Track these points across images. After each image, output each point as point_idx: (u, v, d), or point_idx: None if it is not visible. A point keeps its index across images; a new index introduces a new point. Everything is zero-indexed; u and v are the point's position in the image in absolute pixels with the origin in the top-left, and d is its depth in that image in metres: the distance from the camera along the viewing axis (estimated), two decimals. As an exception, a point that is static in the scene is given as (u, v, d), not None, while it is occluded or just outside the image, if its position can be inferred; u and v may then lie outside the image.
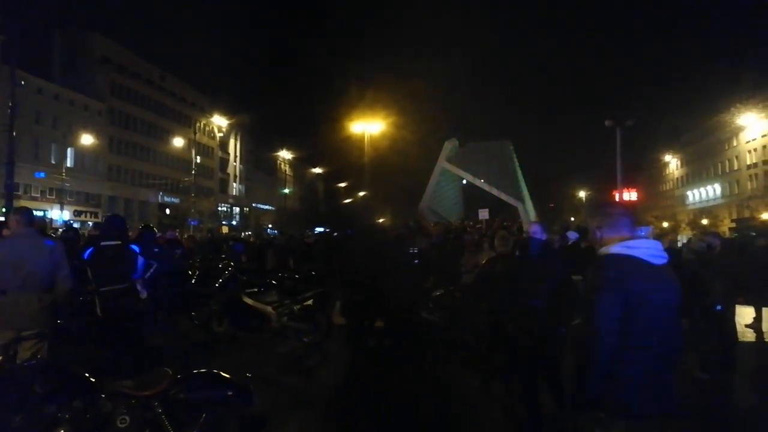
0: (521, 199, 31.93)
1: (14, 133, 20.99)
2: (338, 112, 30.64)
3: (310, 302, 8.44)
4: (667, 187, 76.35)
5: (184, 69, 60.77)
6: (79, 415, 3.21)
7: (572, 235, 12.03)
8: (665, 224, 54.03)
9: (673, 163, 73.48)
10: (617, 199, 27.24)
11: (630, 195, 27.31)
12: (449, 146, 34.87)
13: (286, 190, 70.44)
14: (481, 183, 32.07)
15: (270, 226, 49.83)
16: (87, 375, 3.39)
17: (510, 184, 32.22)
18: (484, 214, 22.21)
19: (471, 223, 22.63)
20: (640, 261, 2.41)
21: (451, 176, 34.98)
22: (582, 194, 68.62)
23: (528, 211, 31.83)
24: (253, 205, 73.13)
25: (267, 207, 72.89)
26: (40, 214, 34.92)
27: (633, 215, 2.66)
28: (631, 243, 2.47)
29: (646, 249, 2.45)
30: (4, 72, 33.16)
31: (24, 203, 36.09)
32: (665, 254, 2.49)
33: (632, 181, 29.27)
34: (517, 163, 35.48)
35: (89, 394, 3.30)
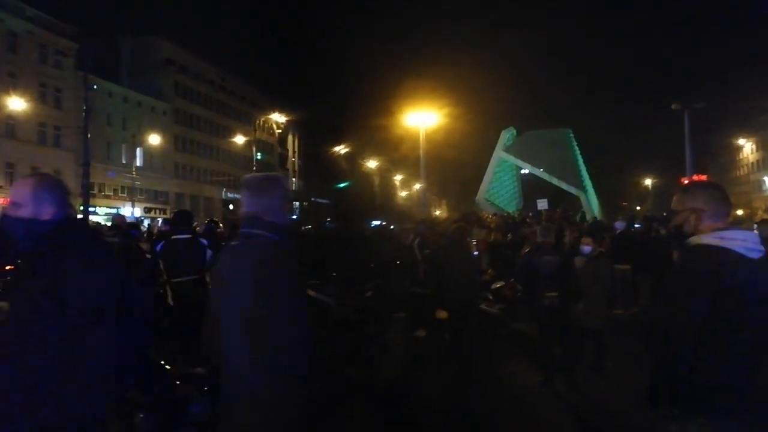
0: (583, 189, 30.97)
1: (88, 135, 22.19)
2: (394, 105, 30.64)
3: (369, 294, 8.53)
4: (741, 173, 72.07)
5: (244, 68, 62.40)
6: (157, 400, 3.39)
7: (618, 225, 11.63)
8: (740, 212, 51.08)
9: (747, 147, 69.20)
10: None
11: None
12: (506, 135, 34.24)
13: (343, 184, 71.23)
14: (540, 172, 31.34)
15: (329, 219, 50.56)
16: (162, 362, 3.57)
17: (570, 172, 31.31)
18: (542, 204, 21.66)
19: (531, 215, 22.18)
20: (735, 254, 2.15)
21: (508, 166, 34.37)
22: (648, 182, 65.81)
23: (591, 200, 30.84)
24: (312, 199, 74.43)
25: (325, 201, 74.00)
26: (113, 211, 36.88)
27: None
28: (725, 234, 2.20)
29: (742, 241, 2.18)
30: (78, 78, 35.22)
31: (98, 201, 38.26)
32: (761, 247, 2.22)
33: (703, 167, 27.80)
34: (578, 151, 34.39)
35: (165, 380, 3.48)
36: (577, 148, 34.15)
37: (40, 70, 37.68)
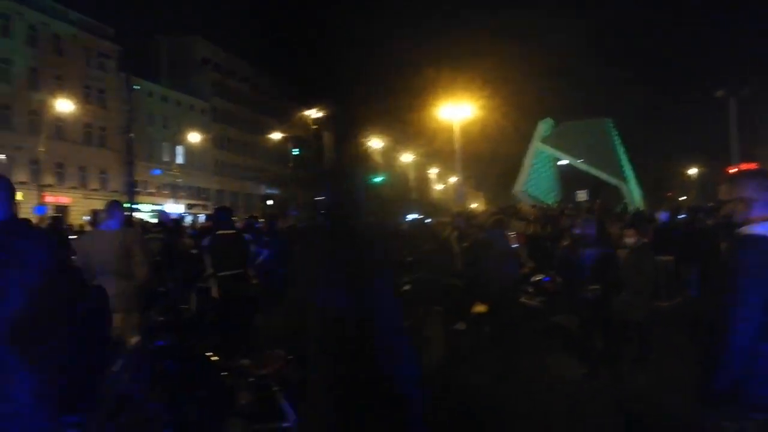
0: (624, 179, 30.26)
1: (132, 135, 22.89)
2: (429, 98, 30.51)
3: (407, 288, 8.56)
4: (793, 160, 68.96)
5: (279, 64, 63.14)
6: (205, 391, 3.51)
7: (662, 216, 11.36)
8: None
9: (799, 133, 66.18)
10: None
11: (748, 171, 24.98)
12: (544, 126, 33.69)
13: (378, 178, 71.40)
14: (578, 163, 30.76)
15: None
16: (209, 354, 3.69)
17: (610, 163, 30.62)
18: (582, 195, 21.31)
19: (569, 206, 21.80)
20: None
21: (546, 157, 33.85)
22: (693, 172, 63.72)
23: (632, 191, 30.11)
24: (347, 194, 74.77)
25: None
26: (157, 207, 38.00)
27: None
28: None
29: None
30: (121, 79, 36.32)
31: (142, 199, 39.44)
32: None
33: (750, 155, 26.77)
34: (618, 141, 33.57)
35: (213, 372, 3.60)
36: (617, 137, 33.34)
37: (84, 73, 38.98)
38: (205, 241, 5.75)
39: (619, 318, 5.31)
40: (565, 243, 6.09)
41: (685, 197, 46.43)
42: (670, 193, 59.03)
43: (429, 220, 15.86)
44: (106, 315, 3.35)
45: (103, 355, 2.46)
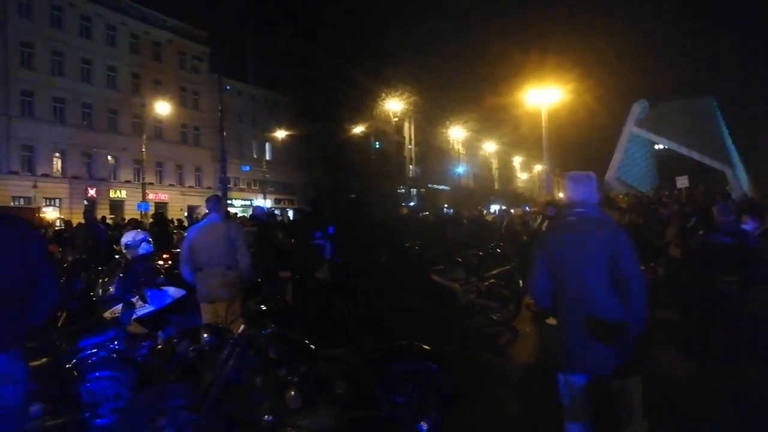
0: (729, 163, 27.96)
1: (224, 133, 24.03)
2: (515, 83, 29.73)
3: (493, 280, 8.42)
4: None
5: (359, 58, 63.81)
6: (304, 379, 3.62)
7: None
8: None
9: None
10: None
11: None
12: (638, 109, 31.75)
13: (460, 169, 70.67)
14: (677, 147, 28.77)
15: (446, 205, 50.61)
16: (308, 342, 3.80)
17: (714, 146, 28.35)
18: (683, 181, 19.81)
19: (666, 193, 20.47)
20: None
21: (641, 141, 31.93)
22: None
23: (739, 176, 27.77)
24: (429, 185, 74.66)
25: (442, 187, 73.92)
26: (248, 203, 39.76)
27: None
28: None
29: None
30: (212, 80, 38.24)
31: (234, 194, 41.43)
32: None
33: None
34: (722, 122, 31.01)
35: (311, 360, 3.70)
36: (721, 118, 30.77)
37: (180, 76, 41.42)
38: (331, 229, 6.23)
39: (749, 314, 4.85)
40: (701, 232, 5.62)
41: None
42: None
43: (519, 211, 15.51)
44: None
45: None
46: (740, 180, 26.97)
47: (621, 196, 19.17)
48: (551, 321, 7.21)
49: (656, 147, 33.00)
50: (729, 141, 29.98)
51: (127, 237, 5.87)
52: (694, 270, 5.06)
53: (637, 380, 3.28)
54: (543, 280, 3.25)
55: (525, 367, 6.15)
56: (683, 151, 28.40)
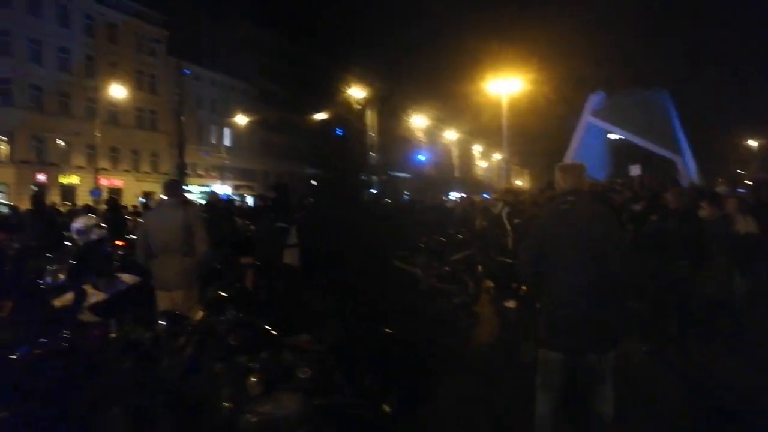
0: (679, 153, 28.93)
1: (182, 118, 23.41)
2: (475, 73, 29.90)
3: (456, 265, 8.49)
4: None
5: (321, 45, 63.02)
6: (266, 366, 3.55)
7: (721, 190, 10.78)
8: None
9: None
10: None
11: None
12: (595, 99, 32.43)
13: (422, 157, 70.92)
14: (631, 136, 29.55)
15: (407, 193, 50.81)
16: (269, 329, 3.73)
17: (666, 136, 29.25)
18: (635, 170, 20.39)
19: (619, 181, 21.04)
20: None
21: (596, 131, 32.62)
22: (753, 144, 60.46)
23: (688, 165, 28.79)
24: (391, 173, 74.74)
25: (404, 174, 74.12)
26: (206, 189, 38.97)
27: None
28: None
29: None
30: (170, 64, 37.12)
31: (192, 180, 40.48)
32: None
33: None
34: (674, 114, 32.00)
35: (273, 347, 3.64)
36: (673, 110, 31.76)
37: (136, 58, 40.05)
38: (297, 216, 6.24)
39: (707, 298, 5.01)
40: (653, 217, 5.78)
41: (742, 171, 44.17)
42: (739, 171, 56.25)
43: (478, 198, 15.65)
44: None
45: None
46: (689, 169, 28.00)
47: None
48: (510, 304, 7.35)
49: (611, 137, 33.86)
50: (680, 132, 31.02)
51: (78, 222, 5.64)
52: (647, 254, 5.21)
53: (611, 356, 3.43)
54: (534, 262, 3.46)
55: (485, 350, 6.24)
56: (636, 140, 29.22)
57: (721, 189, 10.85)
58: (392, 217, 15.48)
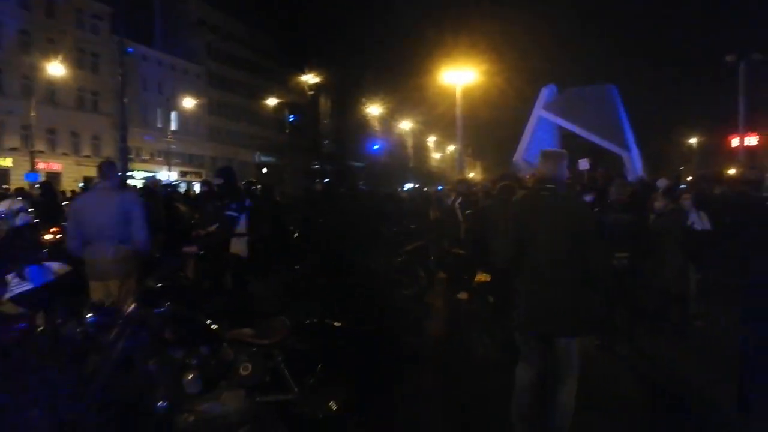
0: (626, 147, 29.89)
1: (125, 100, 22.36)
2: (429, 63, 29.89)
3: (408, 256, 8.41)
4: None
5: (276, 27, 61.68)
6: (205, 362, 3.33)
7: (659, 184, 11.12)
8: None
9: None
10: (737, 144, 24.86)
11: (749, 140, 24.84)
12: (547, 93, 33.06)
13: (376, 146, 70.77)
14: (580, 131, 30.32)
15: (362, 182, 50.55)
16: (209, 323, 3.50)
17: (614, 131, 30.16)
18: (584, 164, 20.90)
19: (569, 175, 21.46)
20: None
21: (548, 125, 33.31)
22: (693, 141, 63.22)
23: (634, 159, 29.79)
24: (345, 161, 74.22)
25: (358, 164, 73.80)
26: (150, 175, 37.57)
27: None
28: None
29: None
30: (114, 42, 35.43)
31: (136, 165, 38.96)
32: None
33: (755, 123, 26.40)
34: (622, 109, 32.99)
35: (213, 341, 3.42)
36: (621, 105, 32.76)
37: (77, 35, 38.03)
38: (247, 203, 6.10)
39: (657, 289, 5.09)
40: (595, 209, 5.84)
41: (682, 167, 46.14)
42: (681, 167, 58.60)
43: (426, 189, 15.64)
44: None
45: None
46: (635, 163, 28.97)
47: (528, 176, 19.87)
48: (462, 296, 7.31)
49: (561, 130, 34.65)
50: (627, 127, 32.05)
51: (2, 207, 5.20)
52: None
53: (581, 340, 3.53)
54: (509, 248, 3.50)
55: (437, 342, 6.17)
56: (585, 135, 30.01)
57: (661, 182, 11.17)
58: (348, 206, 15.30)
